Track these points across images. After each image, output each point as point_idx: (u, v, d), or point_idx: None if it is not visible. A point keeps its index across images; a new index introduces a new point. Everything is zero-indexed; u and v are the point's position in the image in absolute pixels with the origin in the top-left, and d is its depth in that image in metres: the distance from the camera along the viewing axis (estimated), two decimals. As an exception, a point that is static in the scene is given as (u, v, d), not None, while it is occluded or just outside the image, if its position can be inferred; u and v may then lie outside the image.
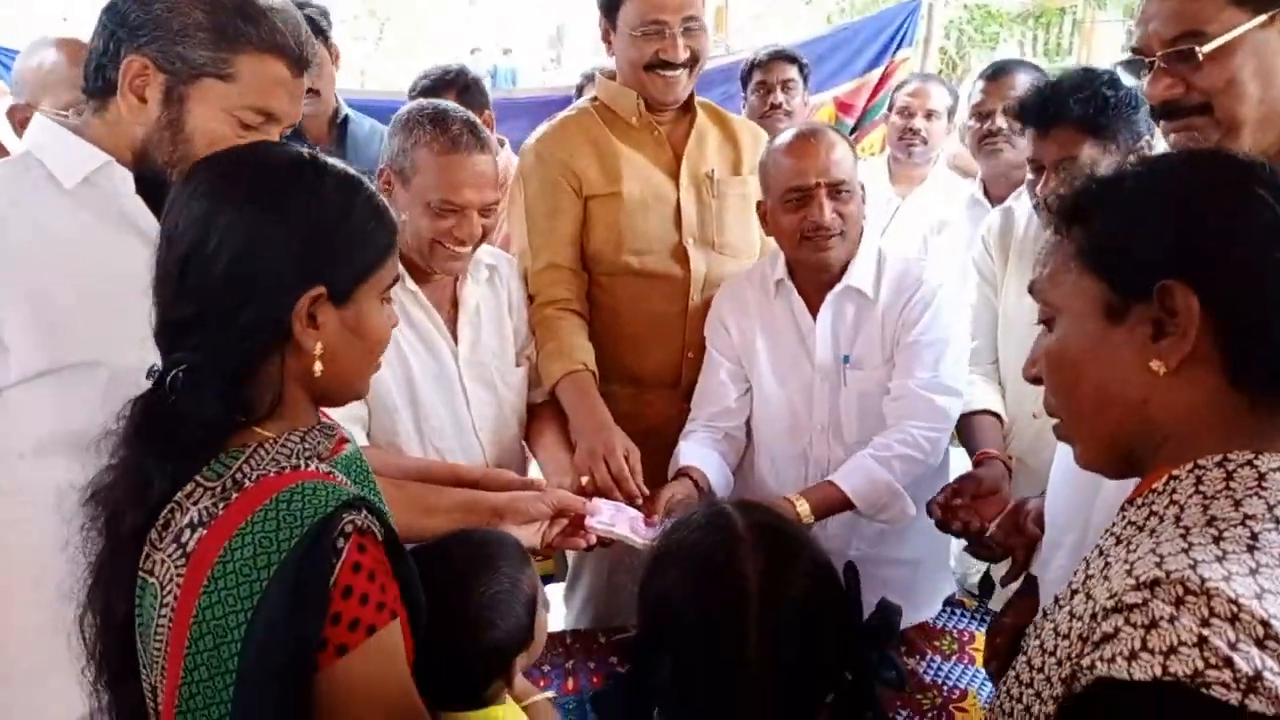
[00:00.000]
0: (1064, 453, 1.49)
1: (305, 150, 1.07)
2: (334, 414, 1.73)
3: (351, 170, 1.07)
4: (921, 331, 1.93)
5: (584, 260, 2.13)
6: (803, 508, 1.82)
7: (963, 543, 1.85)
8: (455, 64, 2.97)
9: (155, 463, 0.97)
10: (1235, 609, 0.70)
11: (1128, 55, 1.34)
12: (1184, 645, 0.69)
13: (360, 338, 1.06)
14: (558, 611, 2.30)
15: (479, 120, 1.86)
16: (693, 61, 2.04)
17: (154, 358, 1.02)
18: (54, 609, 1.04)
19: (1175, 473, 0.87)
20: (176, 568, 0.92)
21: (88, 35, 1.35)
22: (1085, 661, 0.76)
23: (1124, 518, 0.91)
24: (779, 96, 3.19)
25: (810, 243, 1.90)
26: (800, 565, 0.95)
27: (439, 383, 1.89)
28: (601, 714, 0.95)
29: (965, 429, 2.03)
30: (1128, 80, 1.77)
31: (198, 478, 0.96)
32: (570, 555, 2.43)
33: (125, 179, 1.28)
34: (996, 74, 2.67)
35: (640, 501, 1.81)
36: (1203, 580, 0.72)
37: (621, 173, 2.09)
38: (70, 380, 1.24)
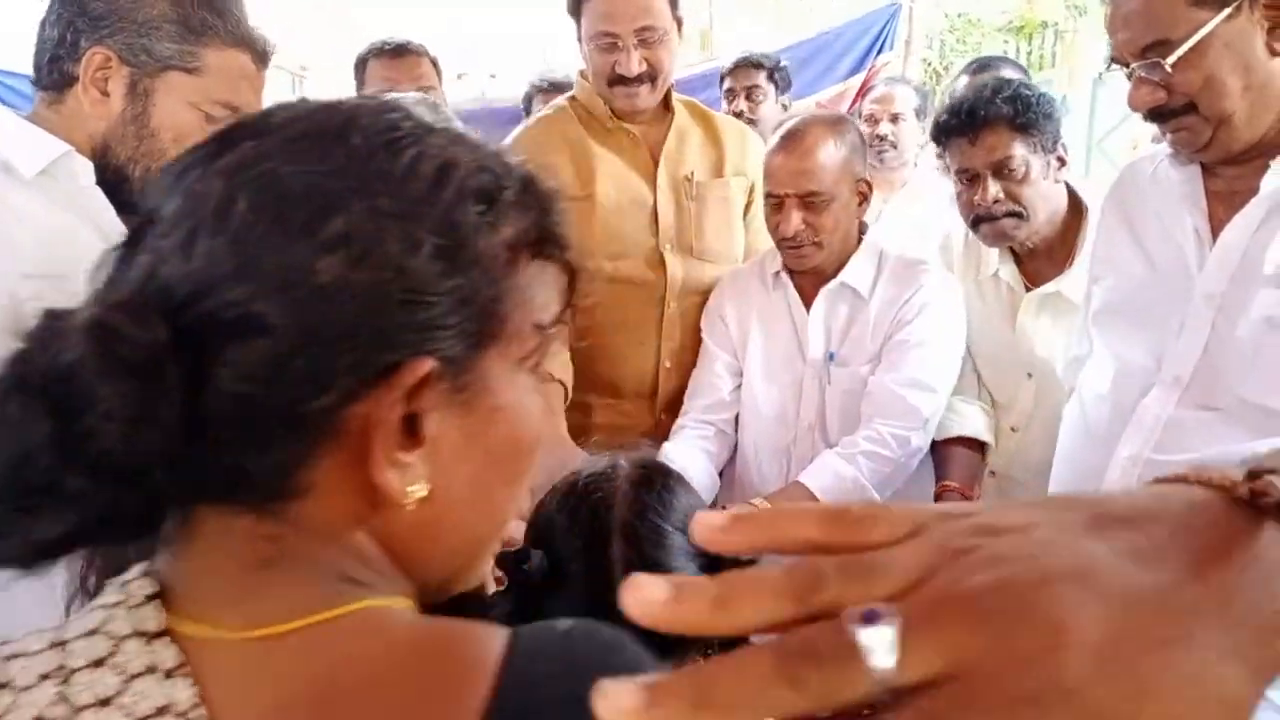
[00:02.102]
0: (1066, 447, 1.47)
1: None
2: None
3: None
4: (911, 332, 1.89)
5: None
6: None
7: None
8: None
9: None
10: None
11: (1106, 64, 1.35)
12: None
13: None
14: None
15: None
16: (653, 74, 1.98)
17: None
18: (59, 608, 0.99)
19: None
20: None
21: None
22: None
23: None
24: (741, 104, 3.22)
25: (783, 248, 1.90)
26: (672, 490, 0.99)
27: None
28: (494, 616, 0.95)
29: (935, 456, 1.99)
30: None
31: None
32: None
33: (86, 169, 1.24)
34: (981, 69, 2.65)
35: None
36: None
37: (596, 175, 2.04)
38: None
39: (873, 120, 3.19)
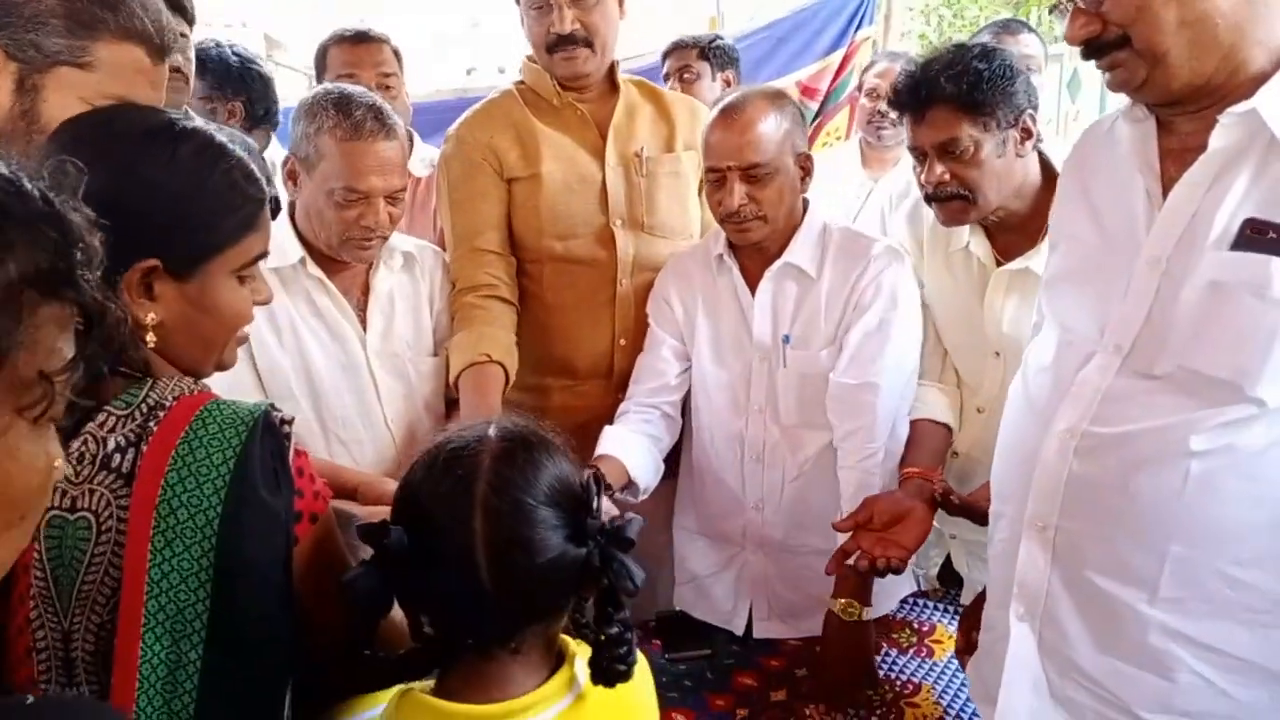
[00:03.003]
0: (1008, 422, 1.40)
1: (170, 115, 1.03)
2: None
3: (218, 138, 1.04)
4: (868, 321, 1.85)
5: (511, 247, 2.04)
6: (848, 608, 1.73)
7: None
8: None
9: None
10: None
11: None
12: None
13: (205, 313, 1.04)
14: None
15: (384, 105, 1.78)
16: (590, 38, 1.93)
17: None
18: None
19: None
20: (114, 493, 0.92)
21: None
22: None
23: None
24: (675, 85, 3.17)
25: (727, 224, 1.84)
26: (536, 463, 0.98)
27: (345, 372, 1.80)
28: (352, 596, 0.95)
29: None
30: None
31: (107, 408, 0.95)
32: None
33: None
34: (1001, 32, 2.58)
35: None
36: None
37: (542, 154, 1.99)
38: None
39: (875, 95, 3.11)
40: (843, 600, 1.74)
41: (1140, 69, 1.15)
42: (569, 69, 1.97)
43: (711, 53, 3.24)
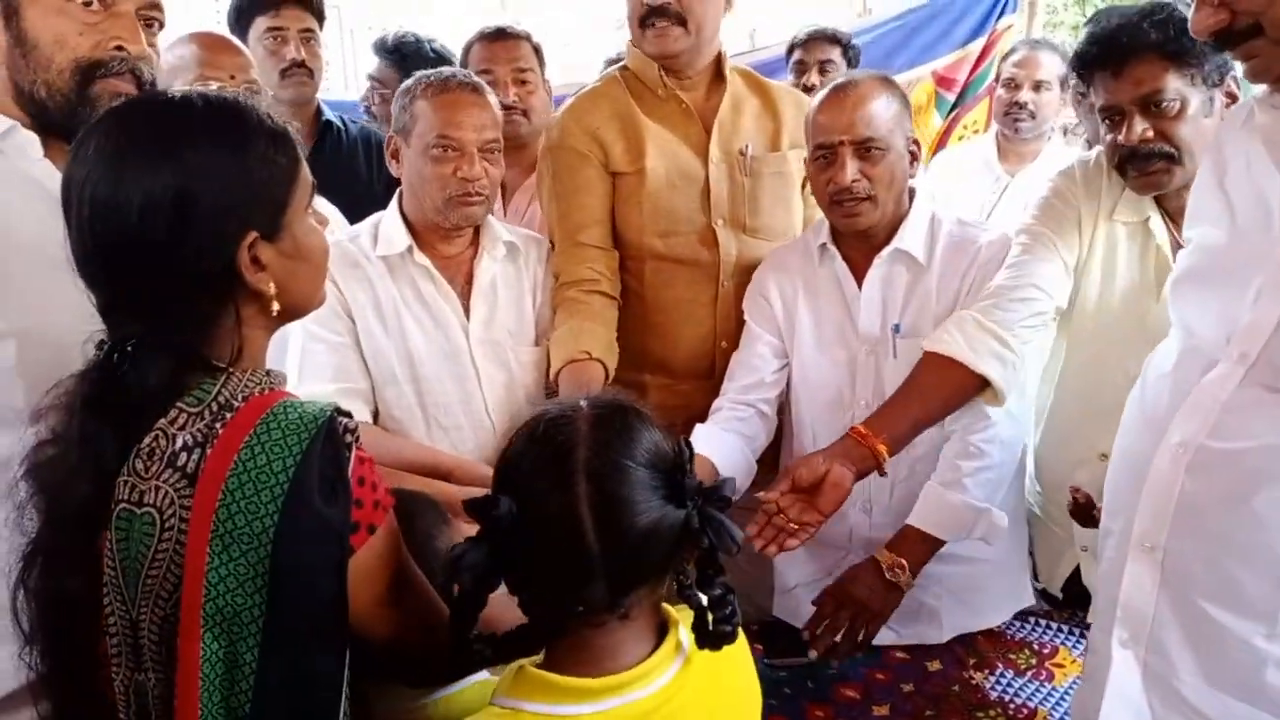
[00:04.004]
0: (1124, 430, 1.31)
1: (191, 94, 1.03)
2: (335, 388, 1.74)
3: (230, 97, 1.04)
4: None
5: (615, 241, 2.04)
6: (898, 571, 1.70)
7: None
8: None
9: (107, 432, 0.97)
10: None
11: None
12: None
13: (304, 260, 1.07)
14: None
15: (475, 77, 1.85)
16: (684, 15, 1.89)
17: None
18: None
19: None
20: (178, 492, 0.94)
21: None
22: None
23: None
24: (814, 78, 3.01)
25: (839, 207, 1.76)
26: (631, 428, 0.99)
27: (448, 359, 1.85)
28: (459, 572, 0.97)
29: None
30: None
31: (180, 404, 0.97)
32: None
33: (32, 143, 1.26)
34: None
35: None
36: None
37: (646, 149, 1.98)
38: None
39: (1012, 85, 2.96)
40: (891, 556, 1.70)
41: (1277, 61, 1.07)
42: (659, 46, 1.93)
43: (851, 52, 3.14)
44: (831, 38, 3.11)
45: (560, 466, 0.96)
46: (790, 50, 3.17)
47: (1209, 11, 1.08)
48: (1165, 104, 1.54)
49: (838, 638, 1.69)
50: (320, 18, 2.57)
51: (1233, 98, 1.58)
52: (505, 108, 2.32)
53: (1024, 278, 1.70)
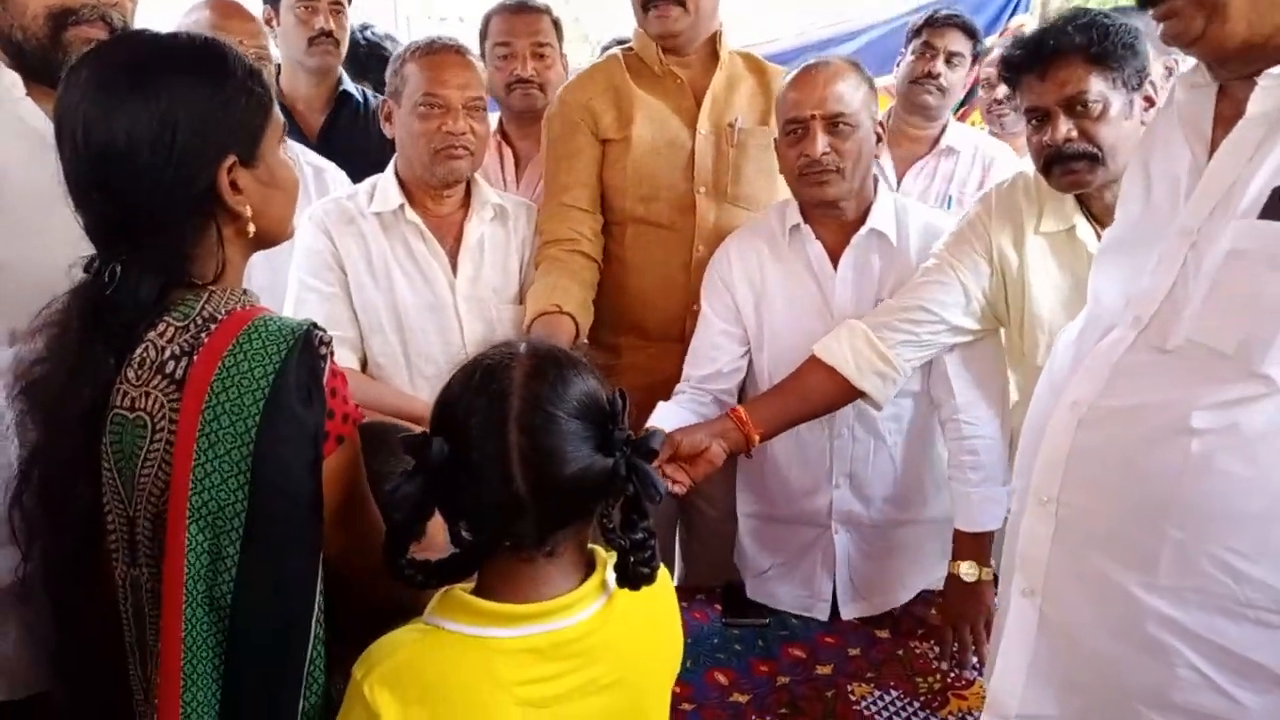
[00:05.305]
0: (1034, 398, 1.36)
1: (175, 35, 1.12)
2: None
3: (208, 36, 1.13)
4: None
5: (602, 207, 2.13)
6: (968, 569, 1.81)
7: None
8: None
9: (103, 342, 1.05)
10: None
11: None
12: None
13: (277, 188, 1.15)
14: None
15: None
16: None
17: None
18: None
19: None
20: (167, 397, 1.01)
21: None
22: None
23: None
24: (939, 66, 2.78)
25: (806, 179, 1.82)
26: (565, 379, 1.03)
27: (433, 312, 1.96)
28: (395, 503, 1.02)
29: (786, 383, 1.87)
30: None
31: (167, 318, 1.04)
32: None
33: (16, 83, 1.32)
34: None
35: None
36: None
37: (634, 117, 2.07)
38: None
39: (990, 84, 3.00)
40: (968, 564, 1.80)
41: (1197, 19, 1.09)
42: (660, 26, 2.02)
43: (979, 48, 2.88)
44: (969, 29, 2.84)
45: (493, 414, 1.00)
46: (916, 30, 2.88)
47: None
48: (1089, 105, 1.59)
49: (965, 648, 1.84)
50: None
51: (1151, 102, 1.63)
52: (522, 80, 2.42)
53: (916, 299, 1.80)
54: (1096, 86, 1.59)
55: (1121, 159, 1.61)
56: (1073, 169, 1.63)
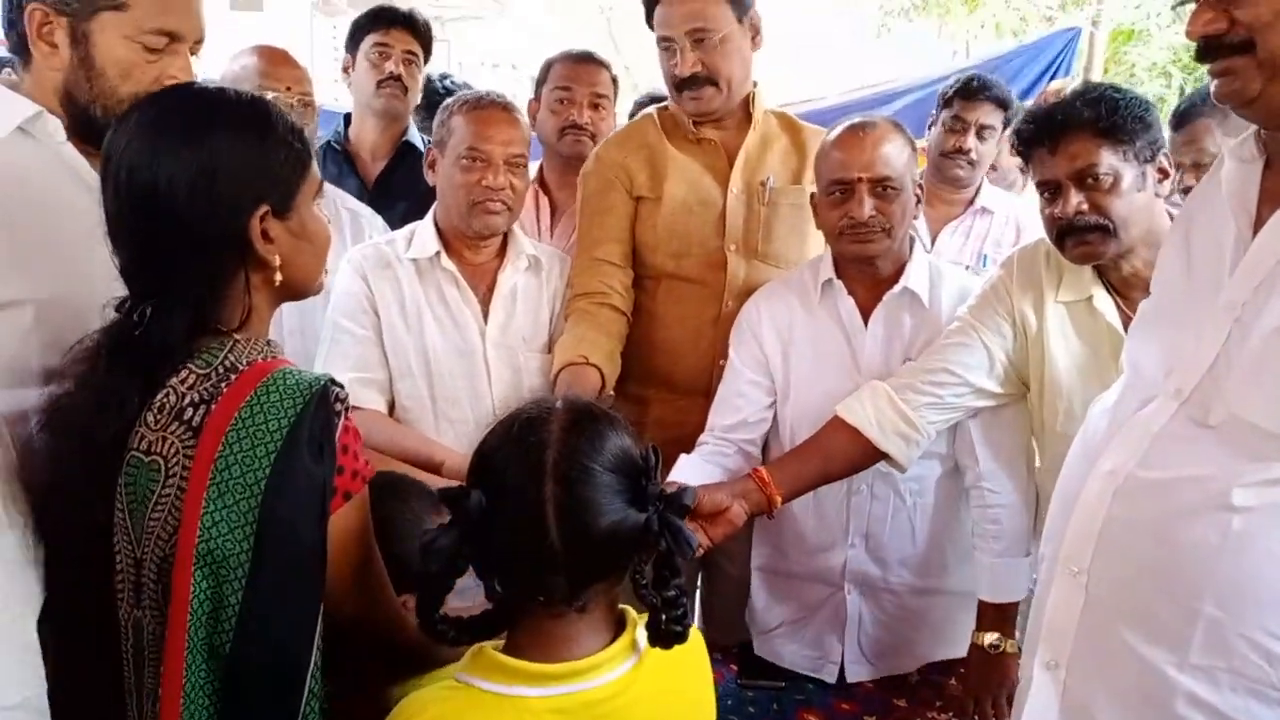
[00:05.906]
0: (1066, 463, 1.34)
1: (219, 88, 1.17)
2: (354, 376, 1.85)
3: (253, 93, 1.17)
4: None
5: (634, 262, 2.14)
6: (992, 640, 1.79)
7: None
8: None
9: (129, 380, 1.08)
10: None
11: None
12: None
13: (308, 241, 1.18)
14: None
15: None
16: (714, 78, 2.00)
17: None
18: None
19: None
20: (183, 443, 1.03)
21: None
22: None
23: None
24: (969, 141, 2.77)
25: (848, 236, 1.82)
26: (601, 434, 1.05)
27: (462, 357, 1.97)
28: (428, 560, 1.02)
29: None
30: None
31: (190, 365, 1.06)
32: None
33: (57, 128, 1.35)
34: (1181, 122, 2.42)
35: None
36: None
37: (668, 176, 2.10)
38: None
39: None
40: (992, 635, 1.78)
41: (1255, 81, 1.06)
42: (695, 107, 2.06)
43: (1010, 116, 2.81)
44: (1001, 101, 2.79)
45: (530, 466, 1.01)
46: (947, 100, 2.83)
47: (1209, 16, 1.07)
48: (1099, 178, 1.58)
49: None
50: (427, 47, 2.73)
51: (1165, 174, 1.62)
52: (576, 127, 2.47)
53: (940, 361, 1.78)
54: (1107, 160, 1.58)
55: (1134, 231, 1.61)
56: (1085, 240, 1.62)
